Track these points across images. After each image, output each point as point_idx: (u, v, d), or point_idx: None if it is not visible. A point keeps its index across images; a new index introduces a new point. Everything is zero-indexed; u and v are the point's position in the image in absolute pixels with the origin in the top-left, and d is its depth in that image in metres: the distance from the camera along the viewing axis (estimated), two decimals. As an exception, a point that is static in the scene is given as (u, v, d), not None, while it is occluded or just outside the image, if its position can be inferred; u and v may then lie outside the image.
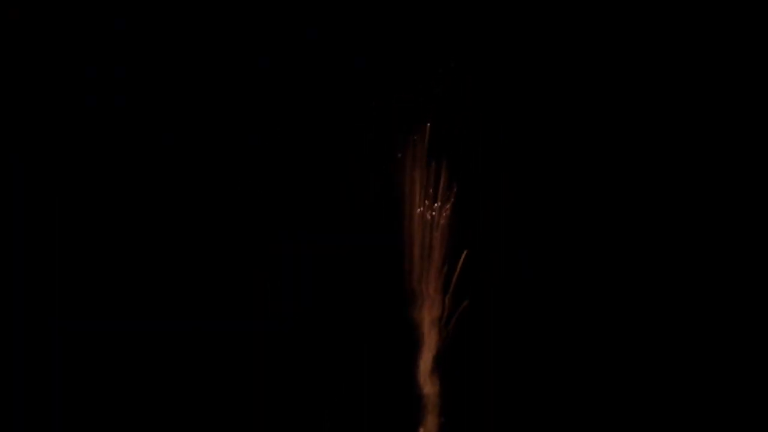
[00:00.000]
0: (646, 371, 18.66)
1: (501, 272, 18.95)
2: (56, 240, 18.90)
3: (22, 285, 18.72)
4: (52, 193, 19.00)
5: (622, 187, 19.12)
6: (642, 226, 19.06)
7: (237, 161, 19.31)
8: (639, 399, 18.63)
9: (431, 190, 18.98)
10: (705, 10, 18.76)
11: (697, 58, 18.91)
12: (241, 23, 19.37)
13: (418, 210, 18.84)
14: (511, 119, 19.13)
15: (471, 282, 18.86)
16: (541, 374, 18.84)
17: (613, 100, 19.04)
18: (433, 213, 18.93)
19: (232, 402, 19.01)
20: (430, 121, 18.86)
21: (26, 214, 18.85)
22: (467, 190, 18.96)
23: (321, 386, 18.90)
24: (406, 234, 18.97)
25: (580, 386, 18.76)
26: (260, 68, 19.26)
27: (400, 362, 18.83)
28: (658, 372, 18.70)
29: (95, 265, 19.02)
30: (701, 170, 18.89)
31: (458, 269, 18.74)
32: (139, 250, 19.10)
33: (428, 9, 19.13)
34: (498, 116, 19.12)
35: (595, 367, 18.77)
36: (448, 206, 18.90)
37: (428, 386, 18.81)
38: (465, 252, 18.80)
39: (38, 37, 19.14)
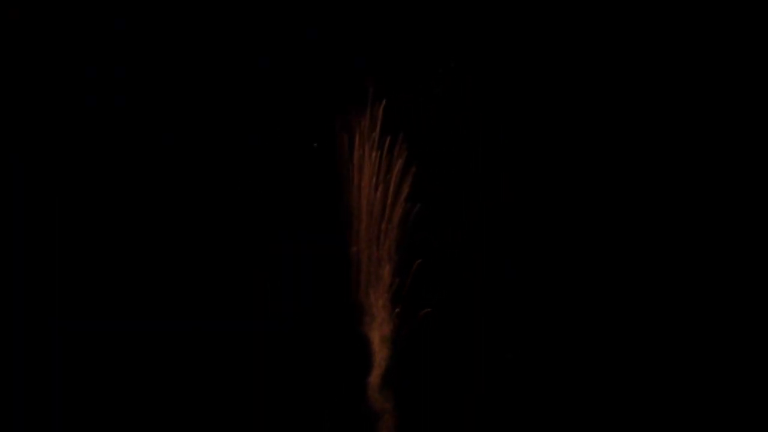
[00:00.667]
0: (635, 374, 18.77)
1: (485, 272, 18.99)
2: (56, 240, 18.92)
3: (22, 285, 18.75)
4: (52, 193, 19.01)
5: (606, 189, 19.14)
6: (626, 227, 19.09)
7: (237, 161, 19.32)
8: (629, 402, 18.73)
9: (383, 177, 18.46)
10: (705, 10, 18.78)
11: (697, 58, 18.92)
12: (241, 23, 19.38)
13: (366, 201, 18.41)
14: (508, 121, 19.16)
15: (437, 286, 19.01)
16: (532, 377, 18.92)
17: (608, 102, 19.10)
18: (387, 201, 18.43)
19: (232, 402, 19.03)
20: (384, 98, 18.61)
21: (26, 214, 18.87)
22: (433, 184, 18.91)
23: (321, 386, 18.91)
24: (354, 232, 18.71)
25: (568, 391, 18.81)
26: (260, 68, 19.29)
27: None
28: (644, 372, 18.79)
29: (95, 265, 19.04)
30: (695, 175, 18.95)
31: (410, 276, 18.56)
32: (139, 251, 19.11)
33: (428, 9, 19.15)
34: (497, 117, 19.16)
35: (582, 370, 18.82)
36: (403, 197, 18.55)
37: (379, 403, 18.74)
38: (417, 262, 18.76)
39: (38, 37, 19.16)
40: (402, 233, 18.68)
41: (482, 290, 18.99)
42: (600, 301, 18.93)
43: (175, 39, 19.23)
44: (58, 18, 19.13)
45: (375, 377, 18.61)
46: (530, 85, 19.23)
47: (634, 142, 19.11)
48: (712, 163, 18.93)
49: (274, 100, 19.38)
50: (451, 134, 19.09)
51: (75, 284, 18.86)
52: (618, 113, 19.12)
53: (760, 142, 18.80)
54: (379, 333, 18.64)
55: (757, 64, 18.76)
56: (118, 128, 19.25)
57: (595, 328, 18.90)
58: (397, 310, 18.61)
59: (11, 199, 18.80)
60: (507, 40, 19.13)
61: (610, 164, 19.17)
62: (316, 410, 18.88)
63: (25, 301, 18.71)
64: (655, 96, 19.06)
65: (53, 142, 19.12)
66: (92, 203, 19.12)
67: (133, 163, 19.23)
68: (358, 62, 19.03)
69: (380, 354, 18.65)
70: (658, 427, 18.59)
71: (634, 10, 19.03)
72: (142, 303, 18.91)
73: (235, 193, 19.31)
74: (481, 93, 19.16)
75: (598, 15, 19.07)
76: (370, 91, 18.71)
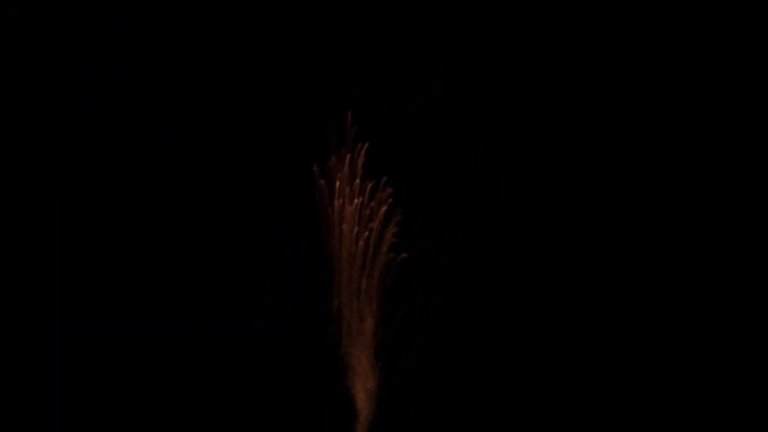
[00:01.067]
0: (635, 375, 18.78)
1: (485, 272, 18.96)
2: (56, 240, 18.93)
3: (22, 285, 18.75)
4: (52, 193, 19.02)
5: (606, 189, 19.15)
6: (626, 226, 19.10)
7: (237, 161, 19.32)
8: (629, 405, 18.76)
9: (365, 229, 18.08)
10: (705, 10, 18.77)
11: (697, 58, 18.92)
12: (241, 23, 19.38)
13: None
14: (508, 121, 19.17)
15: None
16: (532, 379, 18.92)
17: (608, 102, 19.10)
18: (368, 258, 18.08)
19: (232, 402, 19.03)
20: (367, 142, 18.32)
21: (26, 214, 18.87)
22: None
23: (320, 386, 18.92)
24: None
25: (569, 393, 18.82)
26: (260, 68, 19.29)
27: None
28: (644, 373, 18.81)
29: (95, 265, 19.05)
30: (695, 175, 18.94)
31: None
32: (139, 251, 19.13)
33: (428, 9, 19.15)
34: (497, 117, 19.17)
35: (584, 371, 18.81)
36: (385, 248, 18.25)
37: None
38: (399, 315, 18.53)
39: (38, 37, 19.16)
40: (384, 286, 18.50)
41: (482, 290, 18.97)
42: (600, 301, 18.92)
43: (174, 39, 19.23)
44: (58, 18, 19.13)
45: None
46: (530, 86, 19.22)
47: (633, 141, 19.10)
48: (711, 163, 18.92)
49: (275, 99, 19.38)
50: (451, 135, 19.10)
51: (75, 284, 18.86)
52: (618, 113, 19.11)
53: (760, 142, 18.78)
54: (363, 388, 18.50)
55: (757, 64, 18.74)
56: (118, 128, 19.24)
57: (596, 329, 18.90)
58: (380, 364, 18.48)
59: (11, 199, 18.80)
60: (507, 40, 19.13)
61: (609, 164, 19.16)
62: (317, 410, 18.88)
63: (25, 301, 18.71)
64: (654, 96, 19.05)
65: (53, 142, 19.12)
66: (92, 203, 19.12)
67: (133, 163, 19.23)
68: (358, 62, 19.03)
69: (365, 410, 18.51)
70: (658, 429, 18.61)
71: (634, 10, 19.02)
72: (142, 303, 18.92)
73: (235, 192, 19.30)
74: (481, 93, 19.16)
75: (598, 15, 19.06)
76: (350, 134, 18.54)
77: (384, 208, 18.24)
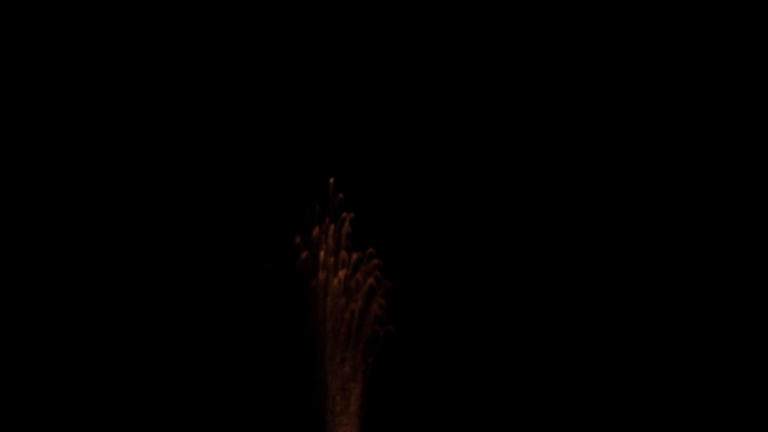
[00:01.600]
0: (635, 375, 18.83)
1: (485, 272, 18.98)
2: (56, 240, 18.94)
3: (22, 285, 18.75)
4: (52, 193, 19.04)
5: (606, 189, 19.22)
6: (626, 227, 19.16)
7: (236, 161, 19.35)
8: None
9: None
10: (705, 10, 18.84)
11: (697, 58, 18.98)
12: (241, 23, 19.43)
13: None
14: (507, 121, 19.24)
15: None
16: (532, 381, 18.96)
17: (608, 102, 19.16)
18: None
19: (231, 402, 19.04)
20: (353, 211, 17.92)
21: (26, 214, 18.89)
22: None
23: (322, 386, 18.94)
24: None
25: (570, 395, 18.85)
26: (260, 68, 19.33)
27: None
28: (643, 373, 18.87)
29: (95, 266, 19.06)
30: (694, 176, 19.00)
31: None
32: (139, 251, 19.15)
33: (428, 9, 19.23)
34: (497, 117, 19.24)
35: (585, 373, 18.86)
36: (370, 320, 17.88)
37: None
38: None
39: (38, 37, 19.20)
40: (369, 359, 18.26)
41: (482, 290, 19.00)
42: (600, 301, 18.95)
43: (175, 39, 19.29)
44: (58, 18, 19.17)
45: None
46: (530, 86, 19.29)
47: (633, 142, 19.17)
48: (711, 163, 18.98)
49: (274, 99, 19.44)
50: (452, 134, 19.17)
51: (75, 284, 18.88)
52: (617, 113, 19.18)
53: (760, 143, 18.84)
54: None
55: (757, 64, 18.81)
56: (117, 128, 19.28)
57: (596, 329, 18.93)
58: None
59: (11, 199, 18.83)
60: (507, 40, 19.20)
61: (609, 164, 19.23)
62: (316, 410, 18.89)
63: (25, 301, 18.72)
64: (654, 97, 19.13)
65: (53, 142, 19.14)
66: (92, 203, 19.14)
67: (133, 163, 19.27)
68: (358, 62, 19.11)
69: None
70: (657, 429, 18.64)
71: (633, 10, 19.10)
72: (142, 303, 18.93)
73: (233, 194, 19.34)
74: (480, 93, 19.22)
75: (597, 15, 19.14)
76: (334, 204, 18.27)
77: (370, 280, 17.93)
